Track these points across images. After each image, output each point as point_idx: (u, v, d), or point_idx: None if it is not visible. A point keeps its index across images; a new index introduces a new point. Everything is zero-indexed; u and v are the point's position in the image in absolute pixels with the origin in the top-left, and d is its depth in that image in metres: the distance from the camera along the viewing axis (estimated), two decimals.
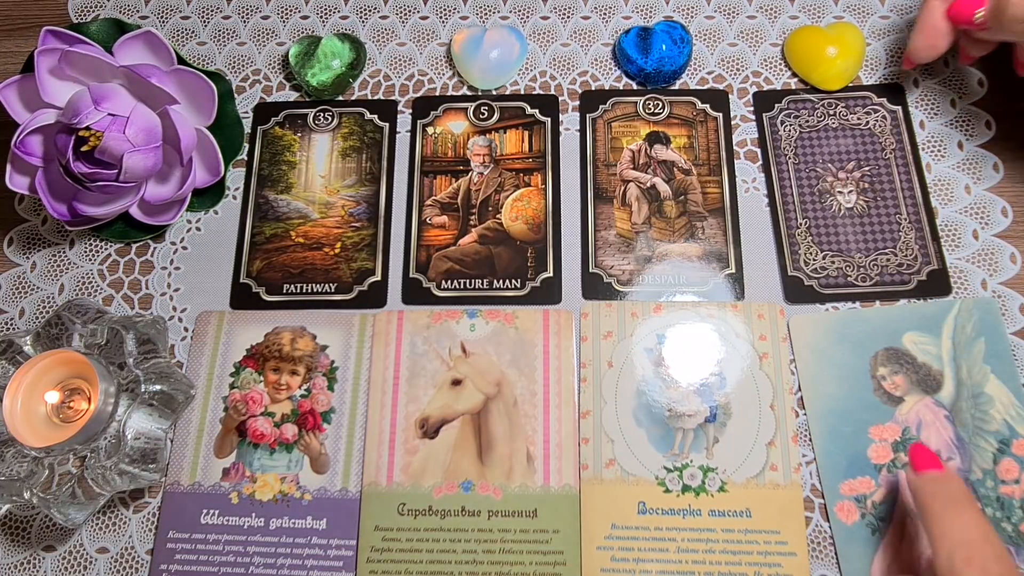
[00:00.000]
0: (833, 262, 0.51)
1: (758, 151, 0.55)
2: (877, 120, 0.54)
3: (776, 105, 0.55)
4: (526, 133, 0.56)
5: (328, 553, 0.46)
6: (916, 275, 0.50)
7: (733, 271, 0.51)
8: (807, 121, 0.55)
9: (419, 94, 0.58)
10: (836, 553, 0.45)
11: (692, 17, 0.59)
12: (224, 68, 0.60)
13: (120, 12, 0.62)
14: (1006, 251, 0.50)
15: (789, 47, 0.57)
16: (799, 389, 0.48)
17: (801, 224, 0.52)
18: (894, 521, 0.45)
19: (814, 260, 0.51)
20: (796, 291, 0.50)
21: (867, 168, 0.53)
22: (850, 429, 0.47)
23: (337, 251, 0.54)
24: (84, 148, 0.47)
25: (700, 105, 0.56)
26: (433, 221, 0.54)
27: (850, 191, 0.52)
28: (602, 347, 0.49)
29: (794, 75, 0.57)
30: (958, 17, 0.48)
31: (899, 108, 0.54)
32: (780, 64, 0.57)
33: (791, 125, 0.55)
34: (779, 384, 0.48)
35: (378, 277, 0.53)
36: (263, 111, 0.58)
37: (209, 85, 0.51)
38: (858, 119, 0.54)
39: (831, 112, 0.55)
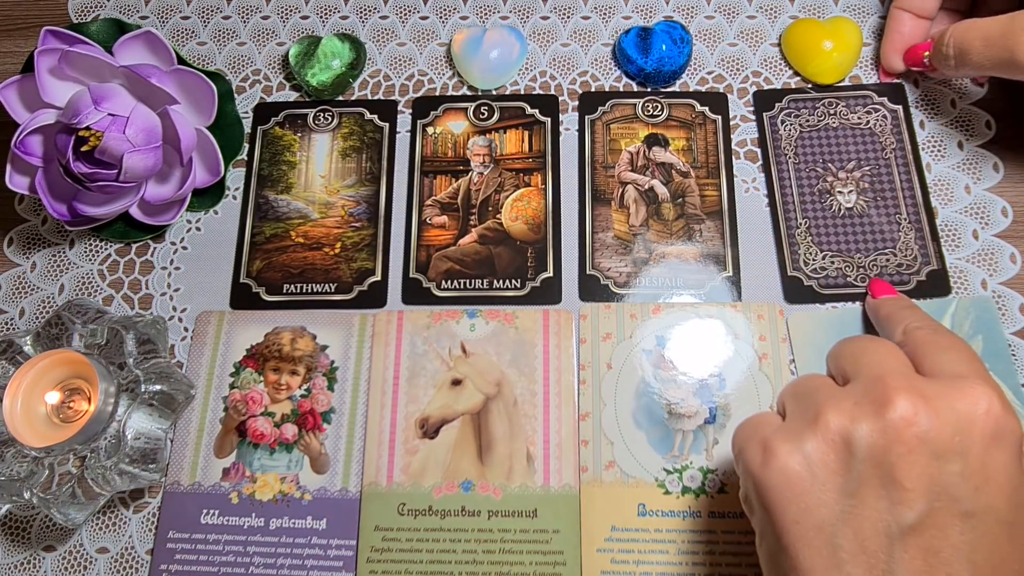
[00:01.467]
0: (833, 262, 0.51)
1: (758, 151, 0.55)
2: (878, 119, 0.54)
3: (776, 104, 0.55)
4: (526, 133, 0.56)
5: (328, 553, 0.46)
6: (915, 275, 0.50)
7: (731, 274, 0.51)
8: (807, 120, 0.54)
9: (419, 94, 0.58)
10: None
11: (692, 17, 0.59)
12: (224, 68, 0.60)
13: (120, 12, 0.62)
14: (1006, 251, 0.51)
15: (786, 40, 0.57)
16: None
17: (801, 224, 0.52)
18: None
19: (814, 260, 0.51)
20: (795, 291, 0.50)
21: (867, 168, 0.53)
22: None
23: (337, 251, 0.54)
24: (84, 148, 0.47)
25: (699, 108, 0.56)
26: (433, 221, 0.54)
27: (850, 191, 0.52)
28: (601, 349, 0.49)
29: (796, 73, 0.57)
30: (911, 61, 0.53)
31: (899, 107, 0.54)
32: (780, 64, 0.57)
33: (791, 124, 0.54)
34: (779, 385, 0.48)
35: (378, 277, 0.53)
36: (263, 111, 0.58)
37: (209, 85, 0.51)
38: (859, 118, 0.54)
39: (831, 111, 0.55)
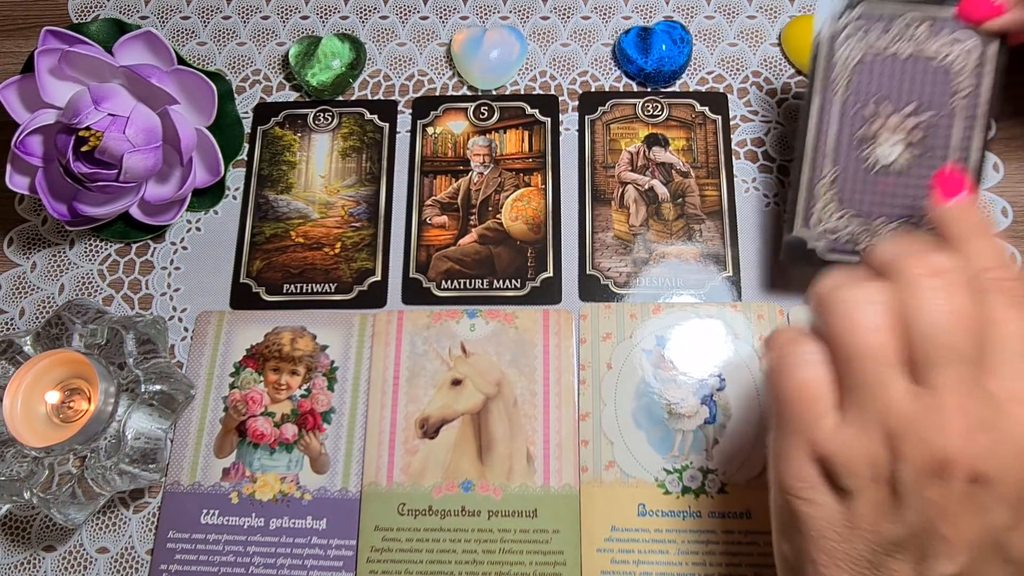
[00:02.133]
0: (848, 224, 0.45)
1: (758, 151, 0.55)
2: (960, 54, 0.43)
3: (848, 12, 0.44)
4: (526, 133, 0.56)
5: (328, 553, 0.46)
6: None
7: (731, 274, 0.51)
8: (876, 42, 0.44)
9: (419, 94, 0.58)
10: None
11: (692, 17, 0.59)
12: (224, 68, 0.60)
13: (120, 12, 0.62)
14: (1006, 251, 0.50)
15: (786, 36, 0.57)
16: None
17: (827, 173, 0.44)
18: None
19: (828, 218, 0.45)
20: (797, 252, 0.45)
21: (927, 115, 0.43)
22: None
23: (337, 251, 0.54)
24: (84, 148, 0.47)
25: (699, 108, 0.56)
26: (433, 221, 0.54)
27: (896, 142, 0.43)
28: (601, 349, 0.49)
29: (797, 72, 0.57)
30: (972, 14, 0.43)
31: (996, 43, 0.43)
32: (780, 64, 0.57)
33: (855, 46, 0.44)
34: None
35: (378, 277, 0.53)
36: (263, 111, 0.58)
37: (209, 85, 0.51)
38: (937, 49, 0.43)
39: (909, 35, 0.43)
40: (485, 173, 0.55)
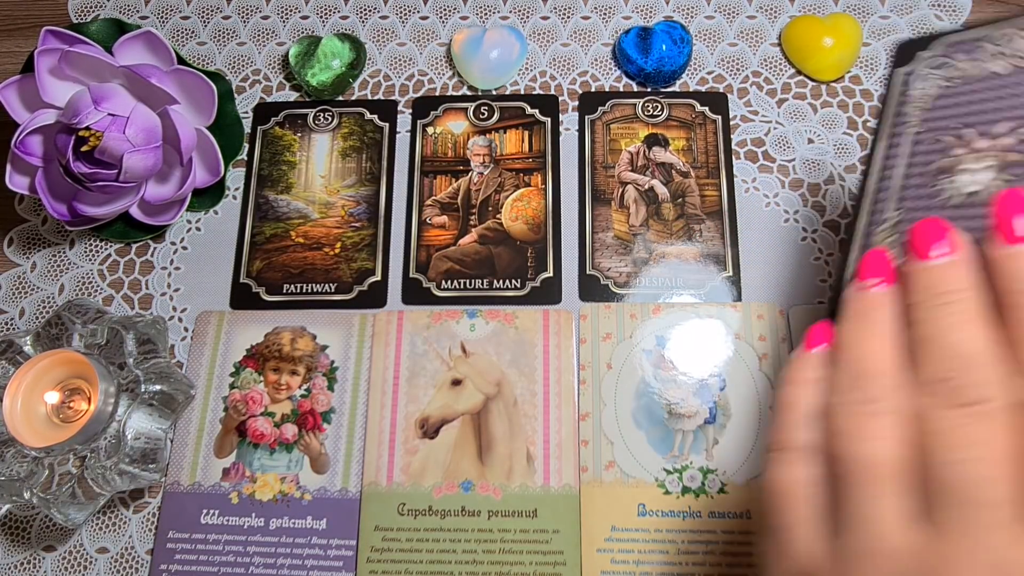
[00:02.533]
0: None
1: (758, 151, 0.55)
2: None
3: (919, 54, 0.37)
4: (526, 133, 0.56)
5: (328, 553, 0.46)
6: None
7: (731, 274, 0.51)
8: (961, 71, 0.35)
9: (419, 94, 0.58)
10: None
11: (692, 17, 0.59)
12: (224, 68, 0.60)
13: (120, 12, 0.62)
14: None
15: (786, 36, 0.57)
16: None
17: (890, 218, 0.35)
18: None
19: None
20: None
21: None
22: None
23: (337, 251, 0.54)
24: (84, 148, 0.47)
25: (699, 108, 0.56)
26: (433, 221, 0.54)
27: (986, 166, 0.33)
28: (601, 349, 0.49)
29: (797, 72, 0.57)
30: None
31: None
32: (780, 64, 0.57)
33: (932, 81, 0.36)
34: (779, 385, 0.48)
35: (378, 277, 0.53)
36: (263, 111, 0.58)
37: (209, 85, 0.51)
38: None
39: (1003, 50, 0.34)
40: (485, 173, 0.55)
